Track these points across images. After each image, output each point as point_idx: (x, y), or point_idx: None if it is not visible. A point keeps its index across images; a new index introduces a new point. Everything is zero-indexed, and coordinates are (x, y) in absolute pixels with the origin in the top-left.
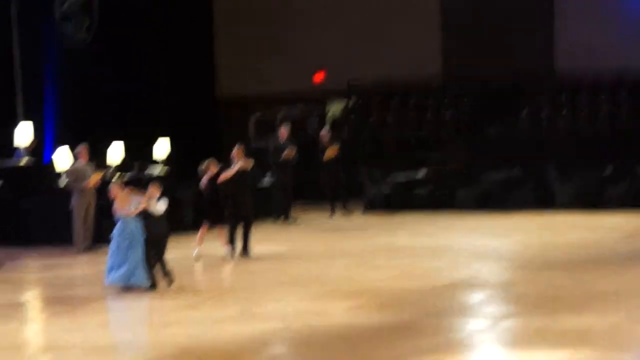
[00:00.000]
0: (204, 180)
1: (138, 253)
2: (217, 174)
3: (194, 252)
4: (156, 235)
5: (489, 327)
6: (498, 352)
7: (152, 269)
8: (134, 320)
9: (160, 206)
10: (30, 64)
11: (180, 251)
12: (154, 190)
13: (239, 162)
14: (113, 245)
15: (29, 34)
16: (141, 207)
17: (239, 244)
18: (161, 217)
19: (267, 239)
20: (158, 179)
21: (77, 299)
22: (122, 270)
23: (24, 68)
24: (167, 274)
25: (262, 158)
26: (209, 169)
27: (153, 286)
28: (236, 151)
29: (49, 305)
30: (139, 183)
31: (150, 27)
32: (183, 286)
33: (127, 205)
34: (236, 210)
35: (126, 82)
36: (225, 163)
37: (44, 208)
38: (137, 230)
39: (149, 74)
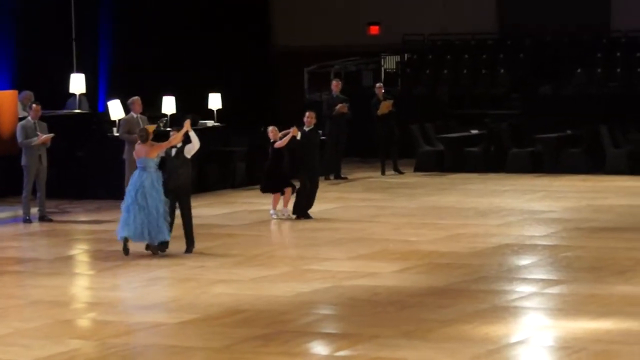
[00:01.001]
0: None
1: (154, 206)
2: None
3: (270, 212)
4: (177, 186)
5: (536, 293)
6: (544, 319)
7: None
8: (180, 278)
9: (195, 142)
10: (85, 13)
11: (232, 206)
12: (187, 125)
13: (292, 130)
14: (128, 198)
15: None
16: (172, 141)
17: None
18: (185, 165)
19: (317, 197)
20: (191, 116)
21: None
22: (136, 224)
23: (79, 18)
24: (188, 238)
25: (316, 111)
26: (270, 134)
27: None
28: (307, 116)
29: (98, 260)
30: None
31: None
32: (231, 244)
33: (157, 153)
34: (305, 172)
35: (180, 34)
36: (287, 123)
37: (97, 157)
38: (155, 181)
39: (204, 25)
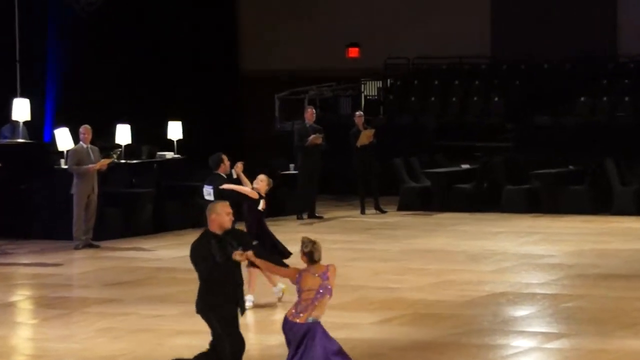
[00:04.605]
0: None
1: None
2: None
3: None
4: None
5: (535, 348)
6: None
7: None
8: (135, 328)
9: None
10: (32, 35)
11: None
12: None
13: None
14: None
15: (32, 4)
16: None
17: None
18: None
19: (288, 239)
20: None
21: (73, 301)
22: None
23: (24, 37)
24: None
25: (287, 142)
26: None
27: None
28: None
29: (41, 308)
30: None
31: None
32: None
33: None
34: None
35: (137, 56)
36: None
37: (43, 192)
38: None
39: (164, 47)
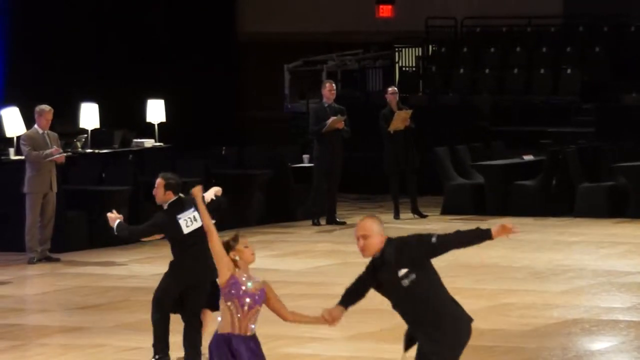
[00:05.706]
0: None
1: None
2: None
3: None
4: None
5: None
6: None
7: None
8: None
9: None
10: None
11: None
12: None
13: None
14: None
15: None
16: None
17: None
18: None
19: (301, 250)
20: None
21: (28, 330)
22: None
23: None
24: None
25: (299, 127)
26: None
27: None
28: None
29: None
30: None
31: None
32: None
33: None
34: None
35: (107, 18)
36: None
37: None
38: None
39: (139, 7)
